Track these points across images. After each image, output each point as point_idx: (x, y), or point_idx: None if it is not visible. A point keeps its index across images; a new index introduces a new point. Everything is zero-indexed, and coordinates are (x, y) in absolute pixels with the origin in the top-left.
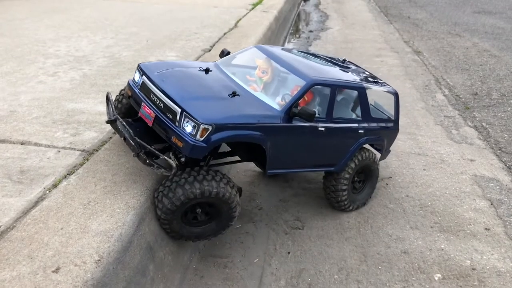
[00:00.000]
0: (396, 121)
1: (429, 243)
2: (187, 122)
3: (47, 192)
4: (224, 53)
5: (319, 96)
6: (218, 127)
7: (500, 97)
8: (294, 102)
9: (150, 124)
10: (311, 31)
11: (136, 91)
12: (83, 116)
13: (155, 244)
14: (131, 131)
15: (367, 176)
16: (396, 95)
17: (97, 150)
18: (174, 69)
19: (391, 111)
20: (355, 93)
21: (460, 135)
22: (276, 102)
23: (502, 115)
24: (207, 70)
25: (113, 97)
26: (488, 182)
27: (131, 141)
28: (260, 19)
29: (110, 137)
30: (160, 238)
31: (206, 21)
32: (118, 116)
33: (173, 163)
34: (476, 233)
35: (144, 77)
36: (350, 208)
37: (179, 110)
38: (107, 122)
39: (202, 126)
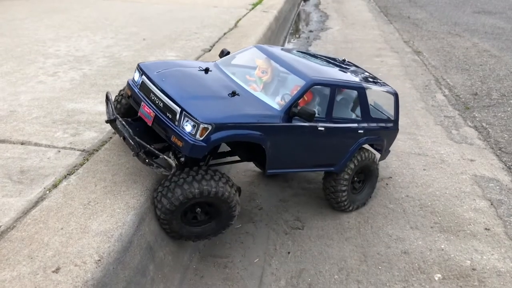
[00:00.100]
0: (395, 121)
1: (429, 243)
2: (187, 121)
3: (47, 192)
4: (223, 53)
5: (318, 96)
6: (218, 127)
7: (500, 97)
8: (294, 102)
9: (149, 124)
10: (311, 31)
11: (136, 90)
12: (83, 116)
13: (155, 244)
14: (130, 130)
15: (367, 176)
16: (395, 95)
17: (97, 150)
18: (173, 69)
19: (390, 111)
20: (354, 93)
21: (460, 135)
22: (276, 102)
23: (502, 115)
24: (206, 70)
25: (112, 97)
26: (488, 182)
27: (130, 141)
28: (260, 19)
29: (110, 137)
30: (160, 238)
31: (206, 21)
32: (118, 116)
33: (172, 162)
34: (476, 233)
35: (143, 76)
36: (350, 208)
37: (178, 109)
38: (107, 121)
39: (201, 126)
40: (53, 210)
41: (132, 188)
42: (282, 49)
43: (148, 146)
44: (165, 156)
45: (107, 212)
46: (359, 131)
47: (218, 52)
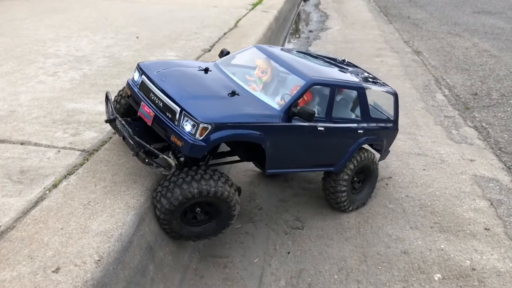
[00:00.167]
0: (395, 121)
1: (429, 243)
2: (187, 121)
3: (47, 192)
4: (223, 53)
5: (318, 96)
6: (218, 126)
7: (500, 97)
8: (294, 102)
9: (149, 123)
10: (311, 31)
11: (136, 90)
12: (83, 116)
13: (155, 244)
14: (130, 130)
15: (367, 176)
16: (395, 95)
17: (97, 150)
18: (173, 69)
19: (390, 112)
20: (354, 93)
21: (460, 135)
22: (276, 102)
23: (502, 115)
24: (206, 70)
25: (112, 97)
26: (488, 182)
27: (130, 140)
28: (260, 19)
29: (110, 137)
30: (160, 238)
31: (206, 21)
32: (117, 115)
33: (172, 162)
34: (476, 233)
35: (143, 76)
36: (350, 208)
37: (178, 109)
38: (106, 121)
39: (201, 125)
40: (53, 210)
41: (132, 188)
42: (281, 49)
43: (148, 145)
44: (164, 156)
45: (107, 212)
46: (359, 131)
47: (218, 52)
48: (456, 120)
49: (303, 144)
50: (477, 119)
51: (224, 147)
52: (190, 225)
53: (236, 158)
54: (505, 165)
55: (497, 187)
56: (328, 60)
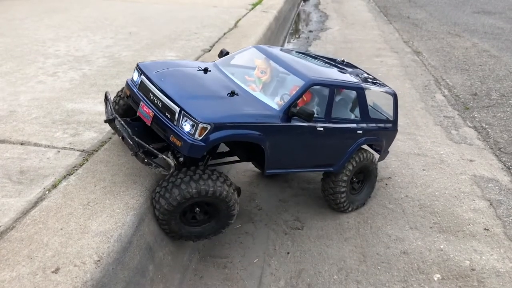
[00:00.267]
0: (394, 121)
1: (429, 243)
2: (186, 121)
3: (47, 192)
4: (223, 53)
5: (317, 96)
6: (217, 126)
7: (500, 97)
8: (293, 102)
9: (148, 123)
10: (310, 31)
11: (135, 90)
12: (82, 116)
13: (154, 245)
14: (129, 130)
15: (366, 177)
16: (394, 95)
17: (96, 151)
18: (172, 69)
19: (389, 112)
20: (353, 93)
21: (460, 136)
22: (275, 102)
23: (502, 116)
24: (205, 70)
25: (111, 97)
26: (488, 183)
27: (129, 140)
28: (260, 19)
29: (110, 138)
30: (160, 238)
31: (206, 21)
32: (117, 115)
33: (171, 162)
34: (475, 233)
35: (142, 76)
36: (350, 209)
37: (177, 109)
38: (106, 121)
39: (200, 125)
40: (52, 211)
41: (131, 188)
42: (281, 50)
43: (147, 145)
44: (164, 156)
45: (107, 213)
46: (358, 132)
47: (218, 52)
48: (455, 120)
49: (302, 145)
50: (477, 119)
51: (223, 147)
52: (189, 225)
53: (236, 158)
54: (505, 165)
55: (497, 187)
56: (327, 60)
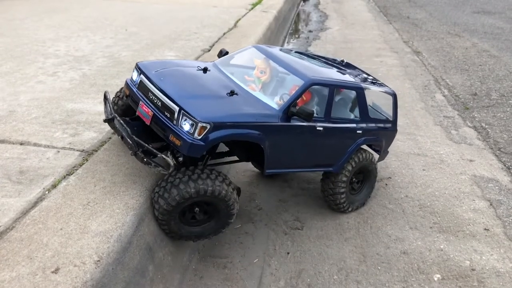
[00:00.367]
0: (394, 122)
1: (429, 243)
2: (185, 120)
3: (47, 192)
4: (222, 53)
5: (317, 96)
6: (216, 126)
7: (500, 97)
8: (293, 102)
9: (148, 123)
10: (310, 31)
11: (134, 90)
12: (82, 116)
13: (154, 245)
14: (128, 129)
15: (365, 177)
16: (394, 96)
17: (96, 151)
18: (172, 68)
19: (389, 112)
20: (353, 93)
21: (460, 136)
22: (275, 102)
23: (502, 116)
24: (205, 70)
25: (110, 97)
26: (487, 183)
27: (128, 140)
28: (260, 19)
29: (110, 138)
30: (160, 238)
31: (206, 21)
32: (116, 115)
33: (171, 161)
34: (475, 233)
35: (142, 75)
36: (349, 209)
37: (177, 108)
38: (105, 120)
39: (200, 125)
40: (52, 211)
41: (131, 188)
42: (280, 49)
43: (146, 145)
44: (163, 155)
45: (107, 213)
46: (358, 132)
47: (217, 52)
48: (455, 120)
49: (302, 144)
50: (477, 119)
51: (222, 147)
52: (189, 225)
53: (235, 158)
54: (505, 165)
55: (497, 187)
56: (327, 60)
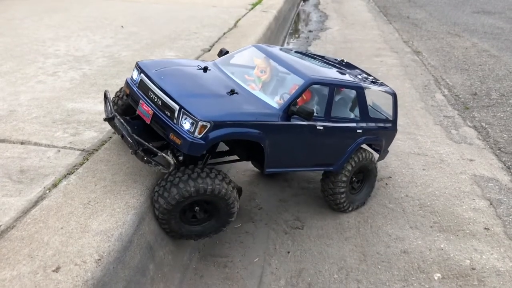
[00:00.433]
0: (394, 121)
1: (429, 242)
2: (185, 119)
3: (47, 191)
4: (222, 52)
5: (317, 95)
6: (217, 124)
7: (500, 97)
8: (293, 101)
9: (148, 122)
10: (310, 31)
11: (134, 89)
12: (83, 116)
13: (155, 244)
14: (129, 128)
15: (365, 176)
16: (394, 95)
17: (97, 150)
18: (172, 67)
19: (389, 112)
20: (353, 93)
21: (460, 135)
22: (275, 101)
23: (502, 115)
24: (205, 69)
25: (111, 96)
26: (488, 182)
27: (128, 139)
28: (260, 19)
29: (110, 137)
30: (160, 237)
31: (206, 21)
32: (116, 114)
33: (171, 160)
34: (475, 232)
35: (142, 74)
36: (350, 209)
37: (177, 107)
38: (105, 120)
39: (200, 123)
40: (53, 210)
41: (132, 187)
42: (280, 49)
43: (146, 144)
44: (163, 154)
45: (107, 212)
46: (358, 131)
47: (218, 52)
48: (455, 120)
49: (302, 143)
50: (477, 119)
51: (223, 146)
52: (189, 224)
53: (235, 157)
54: (505, 165)
55: (497, 186)
56: (327, 60)
